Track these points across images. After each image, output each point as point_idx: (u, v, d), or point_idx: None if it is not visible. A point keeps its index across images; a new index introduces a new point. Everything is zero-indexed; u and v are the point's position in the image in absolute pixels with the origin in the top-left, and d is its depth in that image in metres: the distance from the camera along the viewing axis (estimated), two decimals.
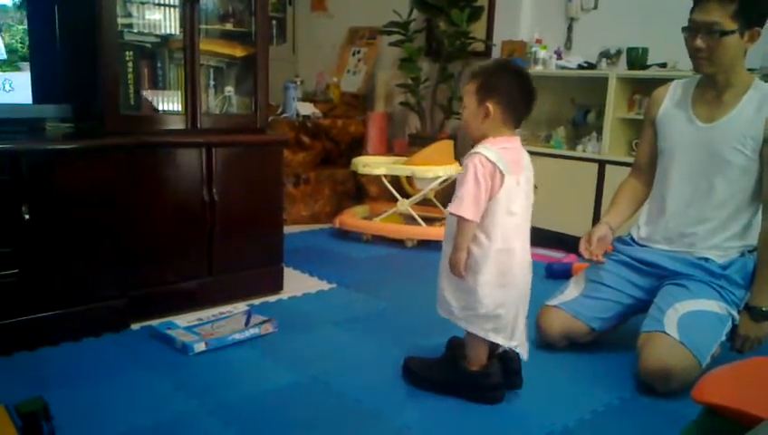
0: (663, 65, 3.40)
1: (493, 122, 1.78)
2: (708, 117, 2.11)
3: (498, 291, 1.79)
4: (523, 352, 1.89)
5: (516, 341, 1.86)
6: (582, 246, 2.24)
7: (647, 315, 2.09)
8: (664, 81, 2.34)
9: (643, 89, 3.43)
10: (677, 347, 1.92)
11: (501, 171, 1.74)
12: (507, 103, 1.77)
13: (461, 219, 1.74)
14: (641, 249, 2.25)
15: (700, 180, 2.12)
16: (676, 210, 2.17)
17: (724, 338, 2.02)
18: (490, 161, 1.73)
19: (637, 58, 3.48)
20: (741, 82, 2.07)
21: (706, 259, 2.11)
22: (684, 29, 2.04)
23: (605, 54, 3.70)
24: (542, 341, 2.24)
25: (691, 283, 2.08)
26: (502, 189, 1.75)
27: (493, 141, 1.78)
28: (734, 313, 2.05)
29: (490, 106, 1.76)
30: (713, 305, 2.03)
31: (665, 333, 1.96)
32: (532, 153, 3.94)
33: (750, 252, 2.12)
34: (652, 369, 1.94)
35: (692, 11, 2.01)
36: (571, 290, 2.27)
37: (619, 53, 3.67)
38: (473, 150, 1.77)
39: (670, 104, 2.21)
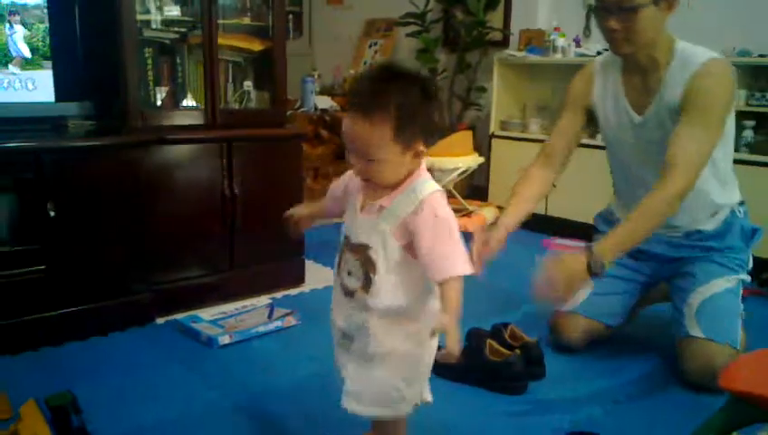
0: None
1: (419, 159, 1.28)
2: (640, 106, 1.97)
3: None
4: None
5: None
6: (477, 251, 1.79)
7: (672, 317, 2.06)
8: None
9: None
10: (708, 346, 1.89)
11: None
12: (433, 131, 1.28)
13: (457, 280, 1.22)
14: None
15: (652, 165, 1.92)
16: (644, 194, 1.88)
17: (742, 308, 2.00)
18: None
19: None
20: (663, 56, 1.89)
21: (699, 231, 2.04)
22: (593, 10, 1.90)
23: None
24: (560, 345, 2.16)
25: (693, 267, 2.04)
26: None
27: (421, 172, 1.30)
28: (743, 275, 2.03)
29: (422, 146, 1.25)
30: (721, 283, 1.99)
31: (690, 337, 1.93)
32: None
33: (740, 204, 2.05)
34: (696, 371, 1.89)
35: None
36: (582, 290, 2.07)
37: None
38: (427, 191, 1.25)
39: (602, 91, 2.07)
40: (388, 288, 1.28)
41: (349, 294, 1.32)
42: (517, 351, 1.90)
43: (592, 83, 2.10)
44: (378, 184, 1.27)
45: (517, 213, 1.99)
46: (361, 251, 1.29)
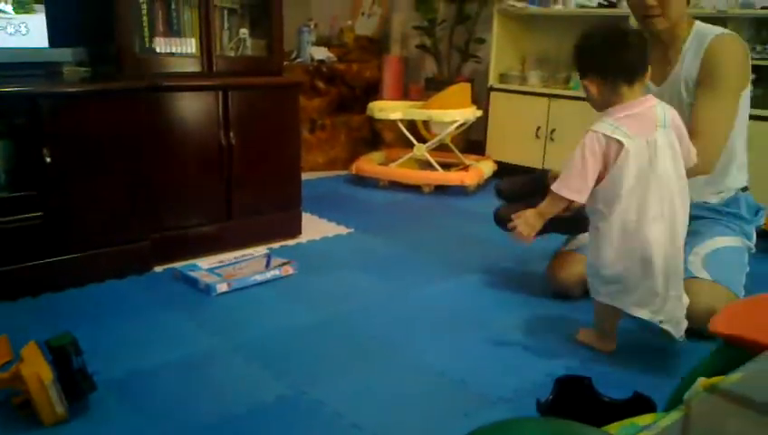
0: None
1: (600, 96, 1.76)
2: (658, 78, 2.10)
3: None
4: (673, 330, 1.76)
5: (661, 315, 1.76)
6: None
7: None
8: None
9: None
10: (714, 287, 1.93)
11: (617, 140, 1.68)
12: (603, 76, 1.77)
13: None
14: None
15: None
16: None
17: (748, 268, 2.05)
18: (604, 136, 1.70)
19: None
20: (682, 32, 2.05)
21: (705, 202, 2.13)
22: None
23: None
24: (557, 289, 2.22)
25: (699, 225, 2.09)
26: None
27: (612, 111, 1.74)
28: (749, 243, 2.10)
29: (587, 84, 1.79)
30: (728, 240, 2.06)
31: (696, 278, 1.96)
32: (551, 96, 3.91)
33: (743, 190, 2.15)
34: (698, 315, 1.87)
35: None
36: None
37: None
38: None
39: None
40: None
41: None
42: None
43: None
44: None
45: None
46: None
